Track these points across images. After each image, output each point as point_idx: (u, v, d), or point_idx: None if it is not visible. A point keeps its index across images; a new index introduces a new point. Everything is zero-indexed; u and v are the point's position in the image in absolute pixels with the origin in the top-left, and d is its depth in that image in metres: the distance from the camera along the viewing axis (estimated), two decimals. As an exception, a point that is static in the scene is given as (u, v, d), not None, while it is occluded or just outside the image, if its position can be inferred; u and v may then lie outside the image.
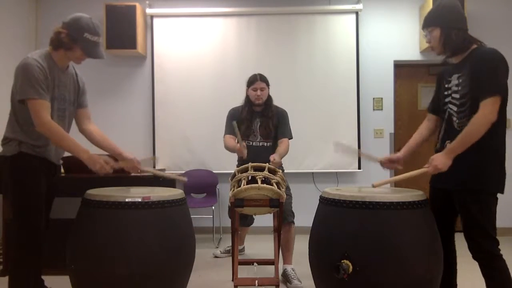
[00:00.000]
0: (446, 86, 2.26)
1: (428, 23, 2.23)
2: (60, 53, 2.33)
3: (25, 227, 2.24)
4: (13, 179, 2.25)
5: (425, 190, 2.35)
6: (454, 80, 2.20)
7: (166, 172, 4.53)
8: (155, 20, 4.92)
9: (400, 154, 2.44)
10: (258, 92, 3.25)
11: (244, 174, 2.51)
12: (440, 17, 2.18)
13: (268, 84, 3.31)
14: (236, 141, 3.00)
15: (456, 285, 2.37)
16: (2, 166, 2.28)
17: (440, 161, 2.08)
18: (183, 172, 4.75)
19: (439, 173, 2.26)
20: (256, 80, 3.27)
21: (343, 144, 2.27)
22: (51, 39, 2.32)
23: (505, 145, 2.14)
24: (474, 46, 2.17)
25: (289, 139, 3.30)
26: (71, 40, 2.27)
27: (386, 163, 2.47)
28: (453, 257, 2.35)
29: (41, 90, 2.18)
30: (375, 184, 2.26)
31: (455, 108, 2.18)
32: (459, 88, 2.16)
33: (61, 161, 2.53)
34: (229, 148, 3.23)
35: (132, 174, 3.43)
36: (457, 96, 2.18)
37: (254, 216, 3.40)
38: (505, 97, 2.06)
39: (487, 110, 2.01)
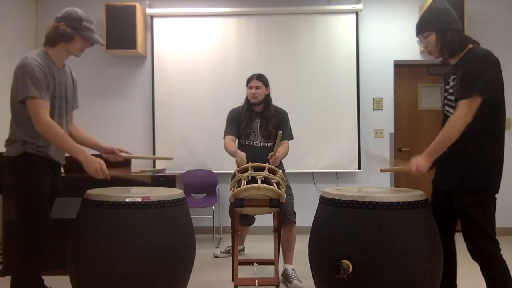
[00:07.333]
0: (446, 87, 2.27)
1: (422, 28, 2.22)
2: (58, 49, 2.33)
3: (29, 227, 2.24)
4: (18, 179, 2.25)
5: (425, 190, 2.35)
6: (451, 82, 2.21)
7: (164, 171, 4.54)
8: (155, 20, 4.92)
9: None
10: (253, 90, 3.26)
11: (244, 174, 2.51)
12: (433, 21, 2.18)
13: (266, 84, 3.31)
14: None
15: (456, 285, 2.37)
16: (6, 167, 2.28)
17: (421, 163, 2.10)
18: (183, 172, 4.75)
19: (440, 173, 2.26)
20: (252, 79, 3.29)
21: (374, 154, 2.35)
22: (47, 36, 2.32)
23: (503, 145, 2.14)
24: (470, 46, 2.17)
25: (290, 140, 3.30)
26: (72, 30, 2.28)
27: None
28: (454, 258, 2.35)
29: (41, 89, 2.19)
30: (383, 170, 2.39)
31: (451, 110, 2.18)
32: (453, 90, 2.17)
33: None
34: (228, 151, 3.22)
35: (133, 174, 3.43)
36: (452, 98, 2.18)
37: (254, 216, 3.40)
38: (491, 98, 2.04)
39: (461, 112, 2.02)
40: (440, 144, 2.08)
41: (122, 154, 2.57)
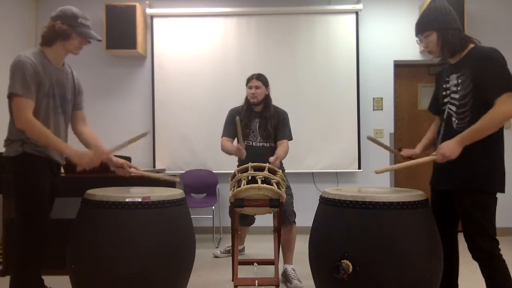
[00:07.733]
0: (445, 86, 2.26)
1: (423, 28, 2.21)
2: (56, 47, 2.32)
3: (29, 227, 2.24)
4: (18, 180, 2.25)
5: (425, 190, 2.35)
6: (453, 80, 2.20)
7: (164, 172, 4.53)
8: (155, 20, 4.92)
9: (417, 150, 2.47)
10: (253, 90, 3.26)
11: (244, 174, 2.51)
12: (434, 20, 2.17)
13: (265, 84, 3.31)
14: (236, 140, 2.99)
15: (457, 286, 2.36)
16: (5, 167, 2.27)
17: (448, 148, 2.06)
18: (183, 172, 4.75)
19: (440, 174, 2.26)
20: (252, 78, 3.30)
21: (375, 139, 2.31)
22: (43, 36, 2.32)
23: (503, 144, 2.14)
24: (471, 45, 2.17)
25: (289, 140, 3.30)
26: (69, 27, 2.27)
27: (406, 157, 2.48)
28: (456, 258, 2.34)
29: (27, 88, 2.16)
30: (377, 171, 2.24)
31: (454, 109, 2.18)
32: (459, 88, 2.16)
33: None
34: (226, 151, 3.23)
35: (132, 174, 3.43)
36: (456, 96, 2.18)
37: (254, 216, 3.40)
38: None
39: (507, 105, 1.99)
40: (476, 133, 2.04)
41: (131, 170, 2.54)
